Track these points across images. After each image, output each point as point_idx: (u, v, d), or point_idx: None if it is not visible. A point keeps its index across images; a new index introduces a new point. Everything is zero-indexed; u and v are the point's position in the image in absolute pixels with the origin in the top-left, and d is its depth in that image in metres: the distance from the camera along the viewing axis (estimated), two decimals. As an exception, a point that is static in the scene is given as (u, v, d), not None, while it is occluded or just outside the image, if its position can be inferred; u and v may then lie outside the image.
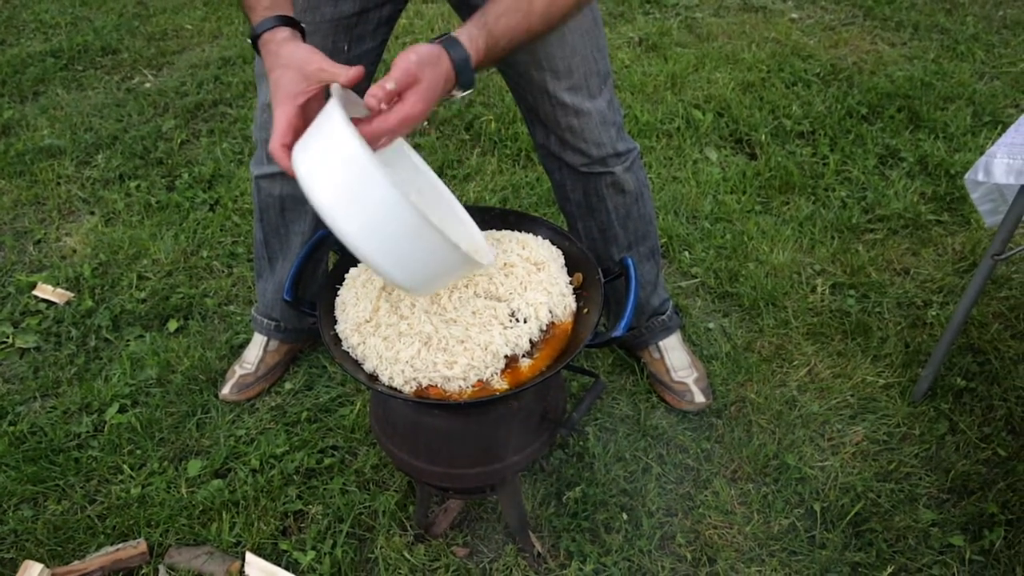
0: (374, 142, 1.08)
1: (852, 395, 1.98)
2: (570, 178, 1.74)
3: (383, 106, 1.06)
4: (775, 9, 3.89)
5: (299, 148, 1.06)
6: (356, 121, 1.05)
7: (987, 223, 1.76)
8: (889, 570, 1.60)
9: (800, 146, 2.87)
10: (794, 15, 3.82)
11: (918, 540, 1.67)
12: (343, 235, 1.01)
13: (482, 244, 1.29)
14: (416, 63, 1.07)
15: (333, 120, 0.99)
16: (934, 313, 2.17)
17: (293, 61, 1.11)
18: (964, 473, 1.78)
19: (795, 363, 2.07)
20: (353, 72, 1.08)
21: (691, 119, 3.01)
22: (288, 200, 1.78)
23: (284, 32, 1.16)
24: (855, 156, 2.79)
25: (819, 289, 2.28)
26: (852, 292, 2.27)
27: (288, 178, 1.72)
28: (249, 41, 1.20)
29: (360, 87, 1.12)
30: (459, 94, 1.17)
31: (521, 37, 1.19)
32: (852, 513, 1.71)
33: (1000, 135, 1.91)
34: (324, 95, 1.12)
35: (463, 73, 1.13)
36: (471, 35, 1.14)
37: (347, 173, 0.97)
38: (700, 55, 3.44)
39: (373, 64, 1.63)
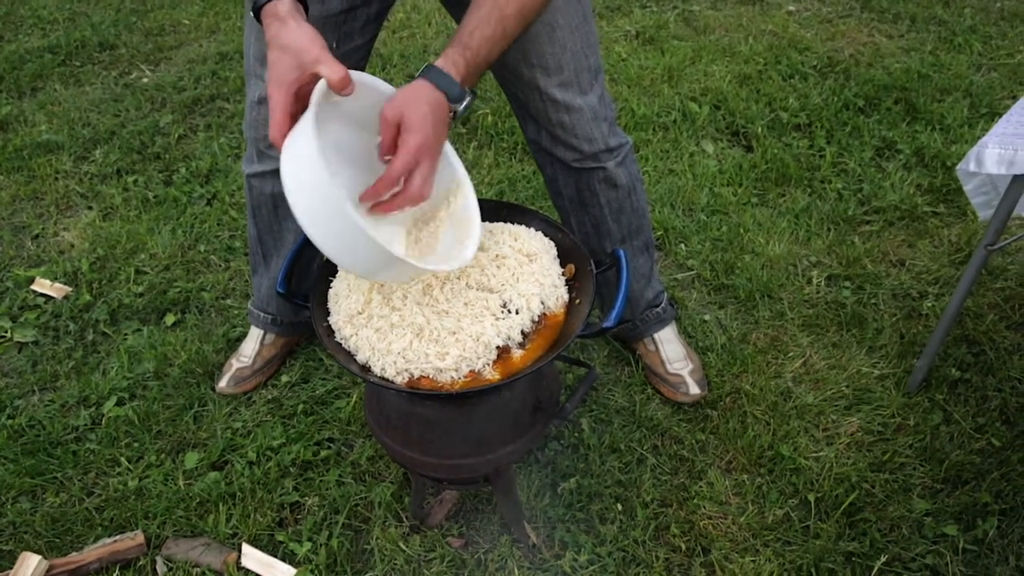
0: (388, 189, 1.14)
1: (847, 386, 1.98)
2: (562, 173, 1.75)
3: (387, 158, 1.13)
4: (772, 2, 3.89)
5: (286, 144, 1.10)
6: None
7: (981, 216, 1.76)
8: (883, 560, 1.61)
9: (797, 138, 2.87)
10: (791, 7, 3.82)
11: (912, 530, 1.68)
12: (303, 227, 1.08)
13: (465, 252, 1.29)
14: (391, 108, 1.12)
15: (304, 124, 1.06)
16: (929, 304, 2.18)
17: (291, 46, 1.11)
18: (958, 463, 1.79)
19: (790, 355, 2.07)
20: (338, 77, 1.09)
21: (688, 112, 3.01)
22: (280, 198, 1.78)
23: (286, 5, 1.15)
24: (852, 148, 2.80)
25: (815, 281, 2.28)
26: (847, 284, 2.27)
27: (279, 176, 1.73)
28: (251, 13, 1.20)
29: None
30: (458, 108, 1.20)
31: (500, 43, 1.23)
32: (846, 503, 1.71)
33: (995, 126, 1.92)
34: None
35: (450, 91, 1.17)
36: (448, 56, 1.19)
37: (310, 181, 1.05)
38: (697, 48, 3.44)
39: (363, 60, 1.63)
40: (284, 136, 1.10)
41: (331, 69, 1.09)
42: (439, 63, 1.18)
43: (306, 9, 1.19)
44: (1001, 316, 2.13)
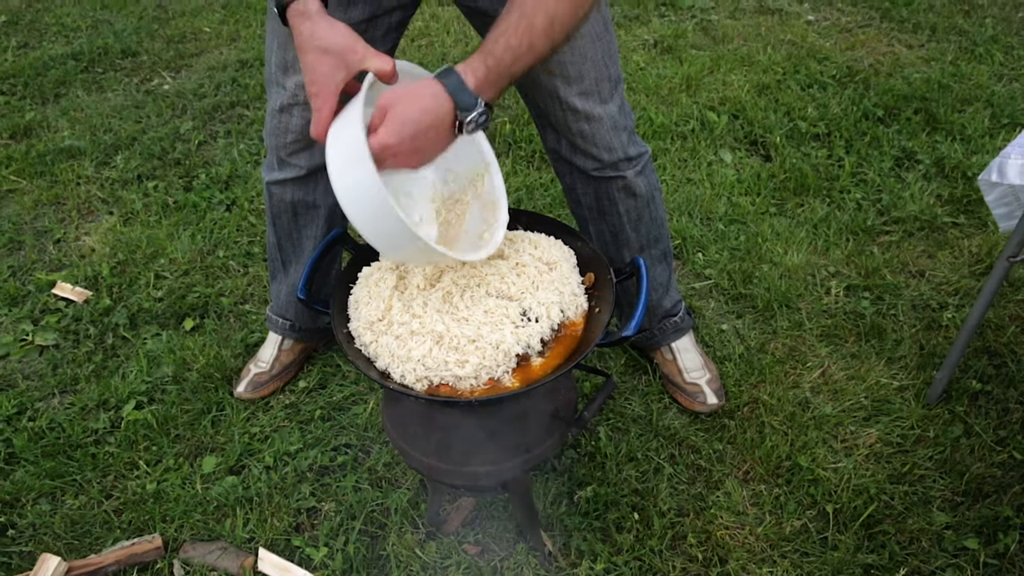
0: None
1: (866, 397, 1.97)
2: (581, 182, 1.75)
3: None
4: (791, 11, 3.88)
5: (330, 135, 1.14)
6: None
7: (1001, 228, 1.75)
8: (902, 572, 1.60)
9: (815, 148, 2.86)
10: (810, 17, 3.81)
11: (931, 543, 1.66)
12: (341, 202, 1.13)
13: (494, 238, 1.31)
14: (388, 95, 1.12)
15: (354, 122, 1.09)
16: (950, 315, 2.16)
17: (333, 47, 1.13)
18: (979, 476, 1.77)
19: (808, 365, 2.06)
20: (389, 68, 1.13)
21: (706, 121, 3.01)
22: (300, 205, 1.80)
23: (314, 3, 1.16)
24: (871, 158, 2.78)
25: (833, 291, 2.27)
26: (867, 294, 2.26)
27: (300, 183, 1.75)
28: (275, 9, 1.20)
29: None
30: (468, 117, 1.15)
31: (525, 57, 1.17)
32: (865, 515, 1.70)
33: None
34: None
35: (459, 97, 1.13)
36: (469, 61, 1.15)
37: (356, 181, 1.10)
38: (715, 57, 3.44)
39: None
40: (326, 132, 1.13)
41: (381, 61, 1.13)
42: (459, 67, 1.15)
43: (325, 4, 1.20)
44: (1022, 328, 2.11)
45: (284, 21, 1.20)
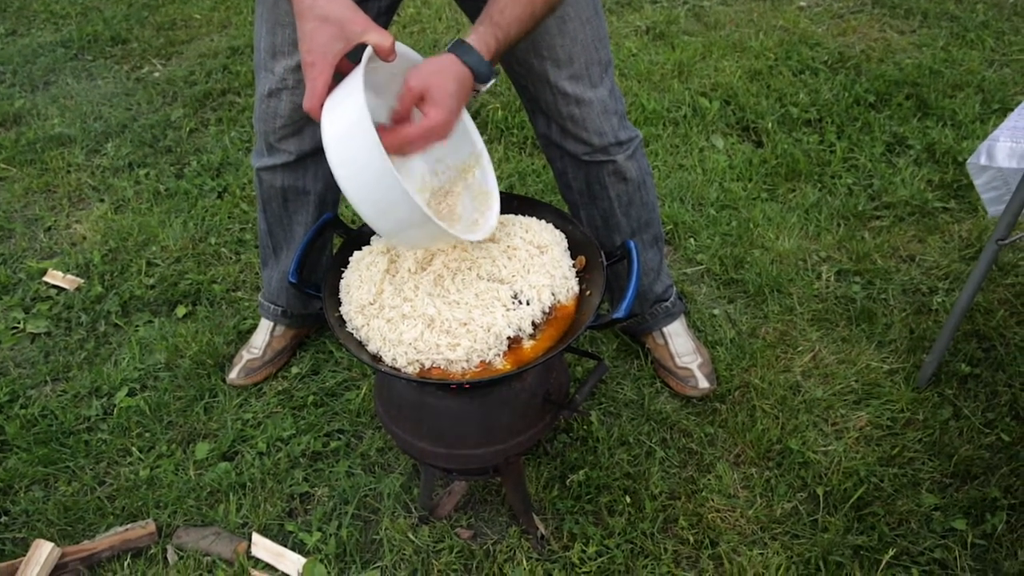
0: (399, 152, 1.15)
1: (856, 381, 1.98)
2: (572, 166, 1.75)
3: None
4: (783, -3, 3.88)
5: (326, 108, 1.12)
6: (382, 130, 1.12)
7: (990, 212, 1.75)
8: (891, 553, 1.61)
9: (807, 134, 2.86)
10: (802, 3, 3.81)
11: (920, 524, 1.68)
12: (343, 190, 1.12)
13: (488, 222, 1.31)
14: (417, 78, 1.13)
15: (355, 91, 1.07)
16: (939, 300, 2.17)
17: (334, 16, 1.11)
18: (967, 458, 1.78)
19: (799, 349, 2.07)
20: (389, 44, 1.12)
21: (698, 107, 3.01)
22: (290, 191, 1.79)
23: None
24: (862, 144, 2.79)
25: (824, 276, 2.28)
26: (857, 279, 2.27)
27: (290, 169, 1.75)
28: None
29: None
30: (483, 88, 1.21)
31: (527, 24, 1.23)
32: (855, 497, 1.71)
33: (1007, 121, 1.91)
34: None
35: (479, 70, 1.18)
36: (479, 34, 1.19)
37: (357, 150, 1.07)
38: (707, 43, 3.44)
39: None
40: (320, 104, 1.11)
41: (381, 36, 1.12)
42: (471, 40, 1.18)
43: None
44: (1011, 311, 2.13)
45: None
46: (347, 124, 1.08)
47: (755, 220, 2.47)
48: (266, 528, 1.72)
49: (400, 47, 1.21)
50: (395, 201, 1.08)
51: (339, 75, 1.15)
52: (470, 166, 1.37)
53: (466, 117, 1.34)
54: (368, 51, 1.12)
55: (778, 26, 3.58)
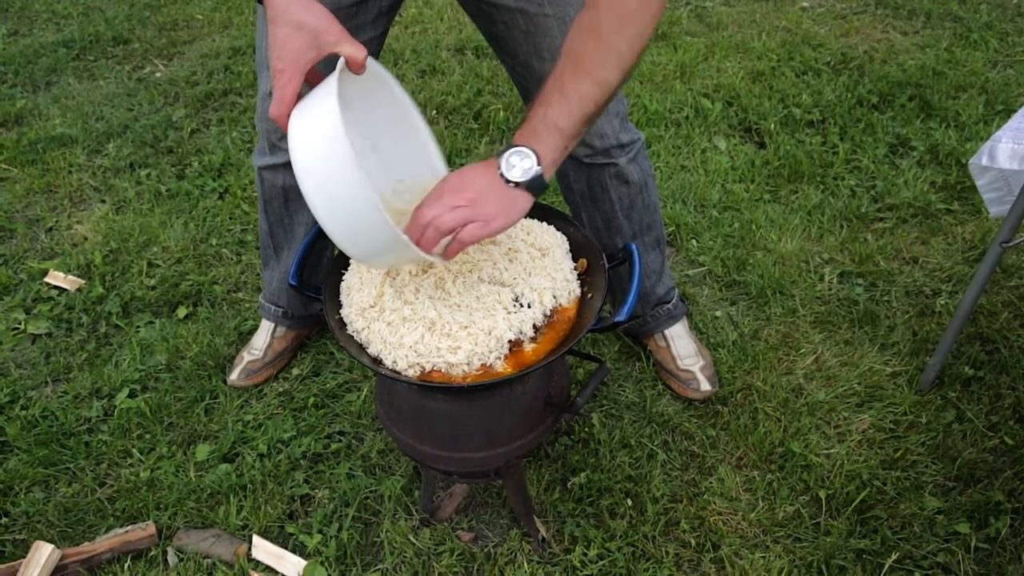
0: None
1: (859, 383, 1.97)
2: (573, 168, 1.74)
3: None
4: (786, -2, 3.87)
5: (295, 116, 1.08)
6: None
7: (991, 213, 1.75)
8: (894, 557, 1.60)
9: (810, 135, 2.85)
10: (805, 3, 3.80)
11: (923, 527, 1.67)
12: (310, 203, 1.06)
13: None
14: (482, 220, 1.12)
15: (329, 99, 1.02)
16: (943, 302, 2.16)
17: (308, 24, 1.08)
18: (971, 461, 1.78)
19: (802, 351, 2.06)
20: (362, 57, 1.10)
21: (700, 108, 3.00)
22: (292, 191, 1.79)
23: None
24: (865, 145, 2.78)
25: (827, 278, 2.27)
26: (860, 281, 2.26)
27: (291, 169, 1.73)
28: None
29: None
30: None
31: (606, 96, 1.16)
32: (857, 500, 1.70)
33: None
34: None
35: (539, 192, 1.15)
36: (548, 145, 1.13)
37: (328, 156, 1.02)
38: (710, 44, 3.43)
39: (374, 54, 1.62)
40: (288, 113, 1.08)
41: (355, 49, 1.09)
42: (545, 163, 1.13)
43: None
44: (1015, 314, 2.12)
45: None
46: (320, 135, 1.03)
47: (757, 222, 2.46)
48: (267, 530, 1.71)
49: (374, 66, 1.18)
50: (371, 222, 1.03)
51: (305, 85, 1.12)
52: (430, 185, 1.34)
53: (425, 133, 1.31)
54: (341, 63, 1.09)
55: (781, 27, 3.58)
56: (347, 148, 0.99)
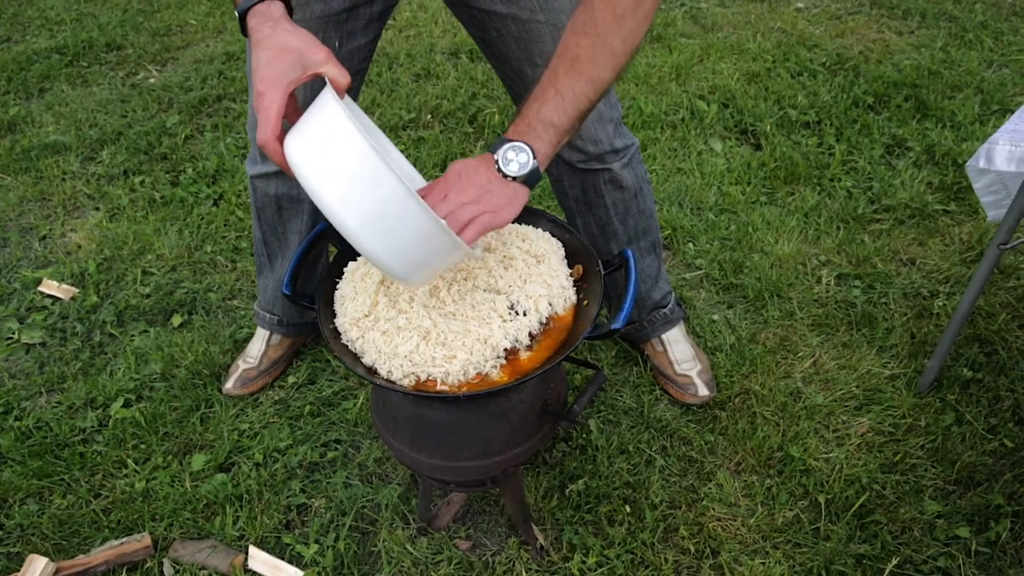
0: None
1: (857, 386, 1.96)
2: (567, 174, 1.73)
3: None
4: (781, -2, 3.86)
5: (294, 138, 1.05)
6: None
7: (989, 216, 1.74)
8: (894, 562, 1.60)
9: (806, 136, 2.85)
10: (800, 4, 3.79)
11: (923, 532, 1.66)
12: (345, 228, 1.02)
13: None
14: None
15: (334, 113, 1.00)
16: (940, 304, 2.16)
17: (292, 46, 1.07)
18: (970, 464, 1.77)
19: (800, 354, 2.06)
20: (346, 81, 1.10)
21: (696, 110, 2.99)
22: (284, 199, 1.78)
23: (279, 8, 1.11)
24: (861, 146, 2.77)
25: (824, 280, 2.26)
26: (857, 283, 2.25)
27: (284, 177, 1.73)
28: (236, 14, 1.14)
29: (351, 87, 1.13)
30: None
31: (599, 93, 1.18)
32: (857, 505, 1.70)
33: (1007, 123, 1.90)
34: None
35: (534, 184, 1.18)
36: (545, 141, 1.16)
37: (353, 169, 0.99)
38: (705, 46, 3.42)
39: (366, 60, 1.62)
40: (275, 137, 1.05)
41: (340, 72, 1.09)
42: (540, 157, 1.16)
43: (290, 12, 1.15)
44: (1013, 315, 2.11)
45: (243, 29, 1.12)
46: (345, 154, 0.99)
47: (754, 224, 2.45)
48: (263, 540, 1.70)
49: (352, 104, 1.18)
50: (422, 232, 1.01)
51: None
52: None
53: (399, 156, 1.32)
54: (328, 86, 1.07)
55: (776, 28, 3.57)
56: (376, 158, 0.97)
